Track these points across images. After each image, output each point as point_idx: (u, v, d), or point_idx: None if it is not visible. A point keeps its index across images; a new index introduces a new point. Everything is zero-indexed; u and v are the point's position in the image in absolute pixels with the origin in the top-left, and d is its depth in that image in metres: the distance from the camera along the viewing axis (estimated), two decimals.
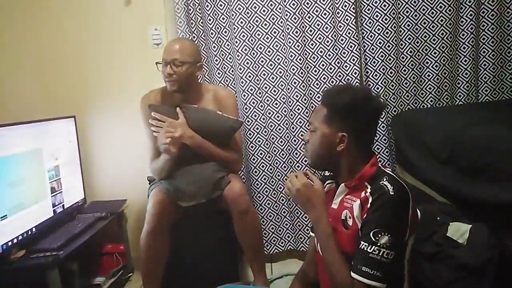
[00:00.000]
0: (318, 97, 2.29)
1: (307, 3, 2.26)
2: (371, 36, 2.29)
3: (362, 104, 1.18)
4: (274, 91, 2.33)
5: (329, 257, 1.16)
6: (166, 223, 1.82)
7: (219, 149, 1.93)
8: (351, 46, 2.28)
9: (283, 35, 2.28)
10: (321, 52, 2.30)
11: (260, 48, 2.29)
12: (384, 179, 1.12)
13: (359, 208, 1.14)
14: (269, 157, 2.36)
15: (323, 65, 2.31)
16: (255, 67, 2.31)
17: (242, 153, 2.13)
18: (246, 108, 2.32)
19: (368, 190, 1.13)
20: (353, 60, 2.29)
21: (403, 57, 2.34)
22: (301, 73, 2.28)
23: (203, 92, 2.02)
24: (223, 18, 2.29)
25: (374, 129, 1.27)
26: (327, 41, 2.29)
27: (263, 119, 2.34)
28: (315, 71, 2.32)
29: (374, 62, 2.31)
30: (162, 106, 1.93)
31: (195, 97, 1.99)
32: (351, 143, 1.18)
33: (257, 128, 2.34)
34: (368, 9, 2.27)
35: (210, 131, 1.91)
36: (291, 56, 2.27)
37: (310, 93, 2.31)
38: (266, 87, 2.33)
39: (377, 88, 2.31)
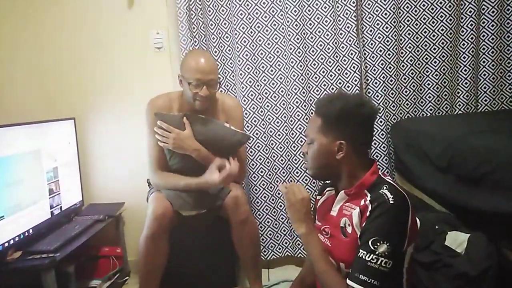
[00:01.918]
0: None
1: (309, 10, 2.27)
2: (371, 44, 2.30)
3: (355, 110, 1.18)
4: (274, 97, 2.33)
5: (323, 267, 1.16)
6: (166, 228, 1.80)
7: None
8: (351, 54, 2.29)
9: (284, 41, 2.29)
10: (321, 59, 2.31)
11: (261, 53, 2.30)
12: (384, 188, 1.12)
13: (358, 216, 1.14)
14: (268, 162, 2.36)
15: (323, 72, 2.32)
16: (256, 72, 2.31)
17: (245, 165, 2.11)
18: (246, 113, 2.32)
19: (368, 198, 1.13)
20: (354, 67, 2.30)
21: (403, 66, 2.34)
22: (302, 79, 2.29)
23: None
24: (225, 23, 2.30)
25: (370, 134, 1.27)
26: (328, 48, 2.29)
27: (263, 124, 2.35)
28: (316, 77, 2.32)
29: (374, 70, 2.31)
30: (169, 116, 1.86)
31: None
32: (349, 150, 1.19)
33: (257, 134, 2.35)
34: (369, 17, 2.28)
35: (216, 144, 1.86)
36: (292, 62, 2.27)
37: (310, 100, 2.32)
38: (266, 93, 2.33)
39: (377, 96, 2.32)
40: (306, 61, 2.30)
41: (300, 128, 2.31)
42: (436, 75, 2.34)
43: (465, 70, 2.32)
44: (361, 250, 1.07)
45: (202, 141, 1.85)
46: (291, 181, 2.36)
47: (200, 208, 1.87)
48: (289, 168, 2.36)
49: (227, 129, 1.89)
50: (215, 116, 1.95)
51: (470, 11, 2.26)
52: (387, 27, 2.26)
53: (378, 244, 1.05)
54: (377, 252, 1.05)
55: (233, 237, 1.88)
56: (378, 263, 1.04)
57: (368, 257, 1.05)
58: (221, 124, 1.91)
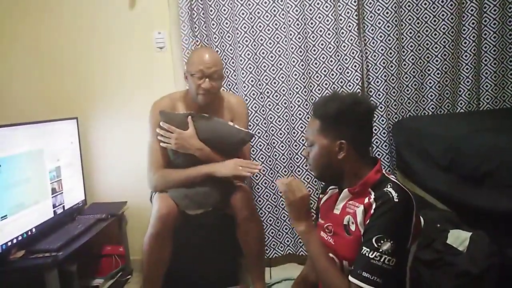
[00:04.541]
0: None
1: (310, 9, 2.27)
2: (373, 43, 2.30)
3: (351, 109, 1.19)
4: (276, 96, 2.34)
5: (324, 264, 1.17)
6: (170, 227, 1.80)
7: None
8: (353, 53, 2.29)
9: (285, 41, 2.29)
10: (323, 58, 2.31)
11: (263, 53, 2.30)
12: (389, 186, 1.13)
13: (362, 214, 1.14)
14: (270, 161, 2.37)
15: (325, 71, 2.32)
16: (258, 72, 2.31)
17: None
18: (248, 113, 2.32)
19: (372, 196, 1.14)
20: (355, 66, 2.30)
21: (405, 64, 2.34)
22: (303, 78, 2.29)
23: (215, 99, 1.96)
24: (227, 23, 2.30)
25: (369, 132, 1.29)
26: (329, 47, 2.30)
27: (265, 123, 2.35)
28: (317, 77, 2.32)
29: (376, 69, 2.31)
30: (174, 114, 1.88)
31: (208, 105, 1.93)
32: (350, 149, 1.20)
33: (259, 133, 2.35)
34: (371, 16, 2.28)
35: (220, 143, 1.87)
36: (294, 61, 2.27)
37: (312, 99, 2.32)
38: (268, 92, 2.33)
39: (379, 95, 2.32)
40: (308, 60, 2.30)
41: (302, 127, 2.31)
42: (438, 73, 2.34)
43: (467, 69, 2.32)
44: (364, 247, 1.08)
45: (206, 140, 1.85)
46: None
47: (206, 207, 1.87)
48: (291, 166, 2.37)
49: (231, 128, 1.90)
50: (220, 114, 1.96)
51: (472, 10, 2.26)
52: (388, 26, 2.26)
53: (382, 241, 1.05)
54: (380, 250, 1.05)
55: (239, 234, 1.89)
56: (382, 260, 1.05)
57: (372, 255, 1.06)
58: (225, 123, 1.92)
